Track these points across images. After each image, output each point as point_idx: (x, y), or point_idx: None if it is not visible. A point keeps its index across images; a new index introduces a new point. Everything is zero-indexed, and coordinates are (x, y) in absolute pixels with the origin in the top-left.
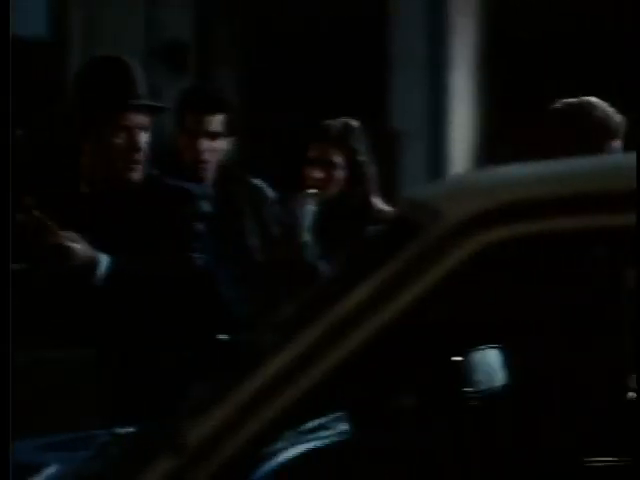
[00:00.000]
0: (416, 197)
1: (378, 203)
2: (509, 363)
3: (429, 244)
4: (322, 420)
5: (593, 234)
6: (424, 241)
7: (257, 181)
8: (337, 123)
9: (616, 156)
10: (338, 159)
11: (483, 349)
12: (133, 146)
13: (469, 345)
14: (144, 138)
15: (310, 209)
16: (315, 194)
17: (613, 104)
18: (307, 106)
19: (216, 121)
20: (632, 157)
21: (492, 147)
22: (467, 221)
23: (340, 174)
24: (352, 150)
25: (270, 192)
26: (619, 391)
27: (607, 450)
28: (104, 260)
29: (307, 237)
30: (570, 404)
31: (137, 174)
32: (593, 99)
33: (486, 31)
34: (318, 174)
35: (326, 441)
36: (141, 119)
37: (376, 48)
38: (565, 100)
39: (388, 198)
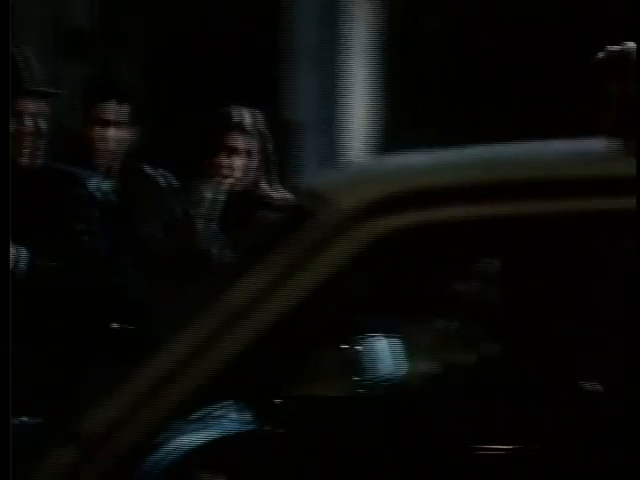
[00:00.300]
0: (311, 185)
1: (276, 191)
2: (400, 351)
3: (322, 232)
4: (215, 408)
5: (484, 223)
6: (317, 229)
7: (157, 169)
8: (248, 111)
9: (514, 146)
10: (250, 146)
11: (374, 338)
12: (22, 132)
13: (359, 334)
14: (39, 124)
15: (212, 197)
16: (219, 182)
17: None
18: (206, 95)
19: (118, 110)
20: (530, 147)
21: (388, 136)
22: (359, 209)
23: (250, 161)
24: (262, 137)
25: (169, 180)
26: (512, 377)
27: (497, 438)
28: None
29: (208, 225)
30: (465, 392)
31: (26, 160)
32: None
33: (382, 19)
34: (230, 161)
35: (219, 430)
36: (33, 105)
37: (273, 37)
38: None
39: (285, 186)
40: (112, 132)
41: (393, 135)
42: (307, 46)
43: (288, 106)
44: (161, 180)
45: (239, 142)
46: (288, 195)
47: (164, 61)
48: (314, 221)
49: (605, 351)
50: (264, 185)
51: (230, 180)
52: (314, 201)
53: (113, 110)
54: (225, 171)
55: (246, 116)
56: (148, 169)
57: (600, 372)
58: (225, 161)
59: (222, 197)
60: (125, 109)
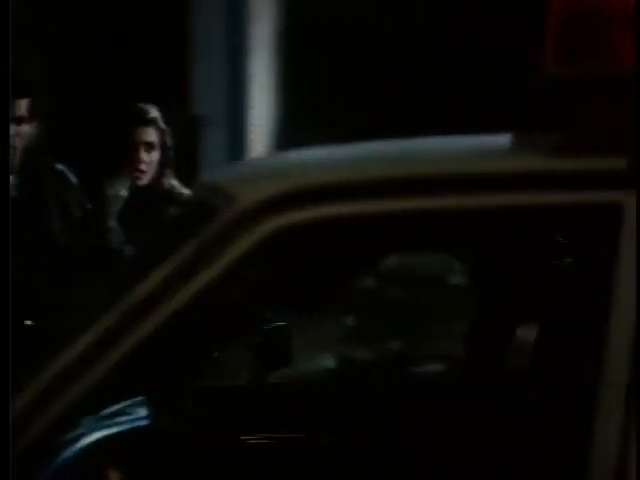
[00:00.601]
0: (212, 181)
1: (181, 188)
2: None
3: (222, 228)
4: (121, 405)
5: (380, 218)
6: (217, 225)
7: (61, 166)
8: (150, 107)
9: (415, 141)
10: (160, 142)
11: (275, 329)
12: None
13: (262, 326)
14: None
15: (119, 194)
16: (124, 178)
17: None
18: (113, 91)
19: (20, 105)
20: (433, 142)
21: (291, 133)
22: (259, 205)
23: (159, 157)
24: (163, 133)
25: (73, 177)
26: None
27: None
28: None
29: (114, 222)
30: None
31: None
32: None
33: (286, 18)
34: (142, 157)
35: (126, 426)
36: None
37: (177, 34)
38: None
39: (189, 184)
40: (21, 128)
41: (295, 131)
42: (211, 44)
43: (191, 102)
44: (71, 176)
45: (152, 137)
46: (191, 191)
47: (69, 55)
48: (215, 217)
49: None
50: (169, 181)
51: (141, 175)
52: (216, 197)
53: (22, 105)
54: (137, 166)
55: (157, 112)
56: (57, 165)
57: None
58: (137, 156)
59: (126, 193)
60: (27, 103)
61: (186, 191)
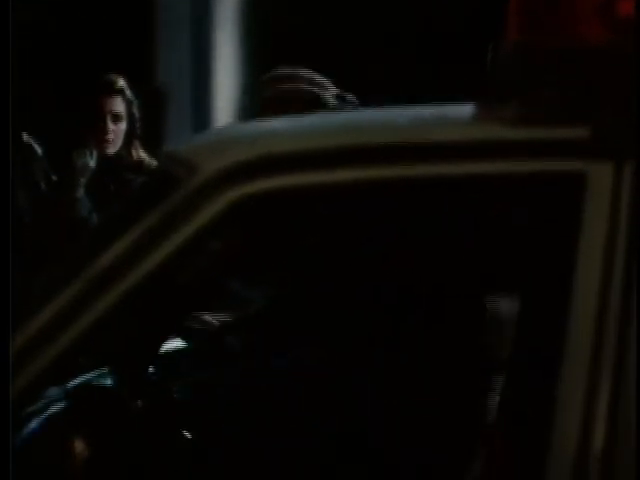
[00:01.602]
0: (175, 151)
1: (151, 160)
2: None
3: (186, 197)
4: (87, 376)
5: (346, 188)
6: (181, 194)
7: (27, 137)
8: (118, 77)
9: (377, 111)
10: (126, 112)
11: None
12: None
13: (222, 297)
14: None
15: (87, 164)
16: (90, 148)
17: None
18: (76, 61)
19: None
20: (392, 112)
21: (254, 104)
22: (223, 173)
23: (126, 127)
24: (131, 103)
25: (38, 148)
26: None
27: None
28: None
29: (81, 193)
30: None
31: None
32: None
33: None
34: (108, 127)
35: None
36: None
37: (142, 5)
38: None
39: (154, 154)
40: None
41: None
42: (176, 14)
43: (155, 73)
44: (33, 148)
45: (119, 108)
46: (155, 160)
47: (34, 24)
48: (179, 186)
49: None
50: (138, 152)
51: (108, 145)
52: (179, 167)
53: None
54: (104, 136)
55: (124, 82)
56: (23, 136)
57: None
58: (105, 126)
59: (94, 164)
60: None
61: (151, 161)
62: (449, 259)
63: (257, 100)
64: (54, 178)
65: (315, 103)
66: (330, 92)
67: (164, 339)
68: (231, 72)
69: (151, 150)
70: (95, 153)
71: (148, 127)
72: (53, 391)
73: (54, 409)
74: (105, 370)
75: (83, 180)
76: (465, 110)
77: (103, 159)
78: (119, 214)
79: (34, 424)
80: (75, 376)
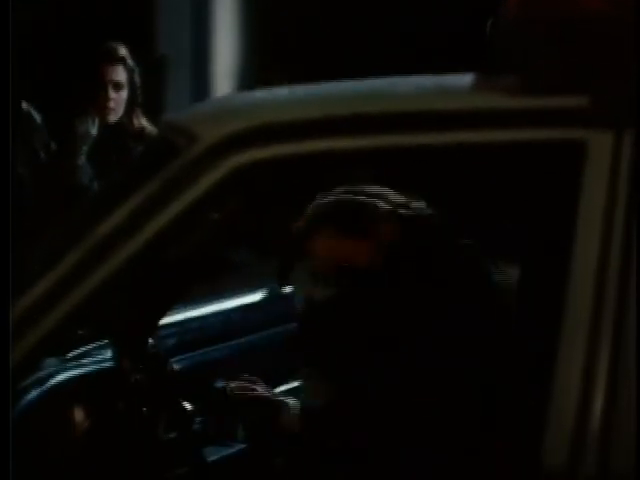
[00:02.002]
0: (175, 119)
1: (147, 126)
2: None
3: (184, 166)
4: (86, 347)
5: (346, 156)
6: (179, 163)
7: (26, 106)
8: (119, 45)
9: (374, 80)
10: (125, 80)
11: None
12: None
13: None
14: None
15: (89, 132)
16: (95, 117)
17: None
18: (77, 31)
19: None
20: (390, 81)
21: (254, 74)
22: (222, 141)
23: (125, 96)
24: (132, 72)
25: (38, 116)
26: None
27: None
28: None
29: (82, 160)
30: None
31: None
32: None
33: None
34: (109, 95)
35: (91, 367)
36: None
37: None
38: None
39: (154, 123)
40: None
41: (259, 72)
42: None
43: (155, 42)
44: (33, 116)
45: (121, 76)
46: (155, 128)
47: None
48: (179, 155)
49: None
50: (140, 120)
51: (109, 113)
52: (179, 136)
53: None
54: (105, 104)
55: (126, 51)
56: (22, 104)
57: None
58: (106, 95)
59: (95, 131)
60: None
61: (152, 129)
62: (449, 226)
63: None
64: (53, 146)
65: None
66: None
67: (165, 309)
68: (231, 41)
69: (152, 118)
70: (97, 121)
71: (149, 95)
72: (52, 362)
73: (55, 380)
74: (104, 342)
75: (84, 148)
76: (466, 80)
77: (104, 127)
78: (119, 182)
79: (34, 395)
80: (75, 347)
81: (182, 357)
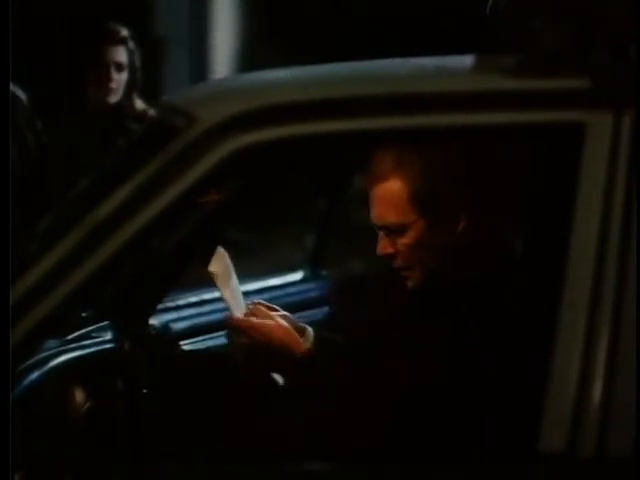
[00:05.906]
0: (173, 101)
1: (147, 108)
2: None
3: (183, 148)
4: (87, 329)
5: (347, 138)
6: (178, 145)
7: (10, 86)
8: (121, 26)
9: (374, 62)
10: (126, 62)
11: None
12: None
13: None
14: None
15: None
16: (95, 98)
17: None
18: (73, 10)
19: None
20: (390, 63)
21: (253, 54)
22: (221, 123)
23: (125, 77)
24: (133, 53)
25: (23, 96)
26: None
27: None
28: None
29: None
30: None
31: None
32: None
33: None
34: (111, 76)
35: (92, 349)
36: None
37: None
38: None
39: (152, 105)
40: None
41: (258, 53)
42: None
43: (154, 23)
44: (17, 97)
45: (122, 57)
46: (154, 110)
47: None
48: (177, 136)
49: None
50: (138, 102)
51: (110, 94)
52: (177, 117)
53: None
54: (107, 85)
55: (127, 32)
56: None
57: None
58: (108, 75)
59: (94, 112)
60: None
61: (150, 110)
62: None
63: None
64: (39, 126)
65: None
66: None
67: (165, 290)
68: (230, 23)
69: (149, 101)
70: (96, 102)
71: (147, 77)
72: (53, 342)
73: (56, 360)
74: (105, 323)
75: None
76: (465, 61)
77: (105, 108)
78: (119, 163)
79: (35, 375)
80: (76, 328)
81: (194, 340)
